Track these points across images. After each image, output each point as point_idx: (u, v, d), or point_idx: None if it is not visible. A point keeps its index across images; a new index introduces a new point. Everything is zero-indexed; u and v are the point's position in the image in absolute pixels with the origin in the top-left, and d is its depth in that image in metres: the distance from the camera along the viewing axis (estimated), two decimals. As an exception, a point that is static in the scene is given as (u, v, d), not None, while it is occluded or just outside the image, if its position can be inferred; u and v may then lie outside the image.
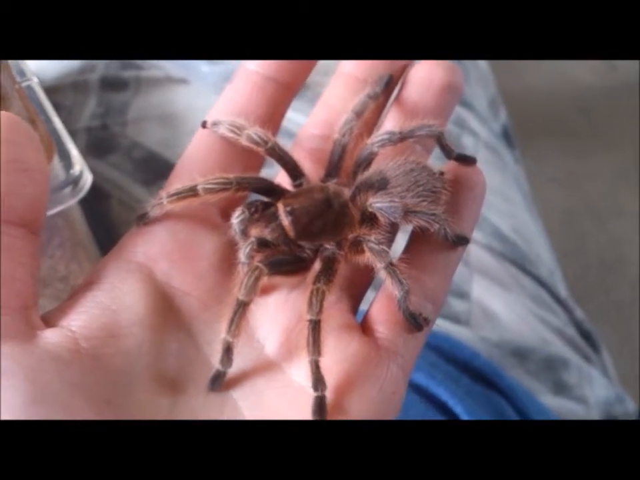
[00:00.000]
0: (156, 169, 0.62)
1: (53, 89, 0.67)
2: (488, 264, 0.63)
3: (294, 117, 0.42)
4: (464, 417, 0.47)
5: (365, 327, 0.31)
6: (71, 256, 0.51)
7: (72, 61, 0.67)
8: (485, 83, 0.76)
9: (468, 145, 0.68)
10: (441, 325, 0.58)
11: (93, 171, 0.70)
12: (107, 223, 0.63)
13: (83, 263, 0.51)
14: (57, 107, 0.69)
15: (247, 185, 0.31)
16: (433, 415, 0.47)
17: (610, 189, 1.23)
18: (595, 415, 0.58)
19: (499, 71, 0.81)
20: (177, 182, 0.32)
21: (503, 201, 0.68)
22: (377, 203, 0.31)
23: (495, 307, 0.61)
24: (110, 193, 0.65)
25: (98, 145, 0.67)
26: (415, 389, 0.48)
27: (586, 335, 0.65)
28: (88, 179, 0.41)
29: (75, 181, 0.40)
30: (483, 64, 0.79)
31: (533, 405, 0.51)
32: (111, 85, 0.67)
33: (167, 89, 0.67)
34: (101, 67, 0.67)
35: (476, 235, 0.64)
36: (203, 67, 0.65)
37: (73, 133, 0.70)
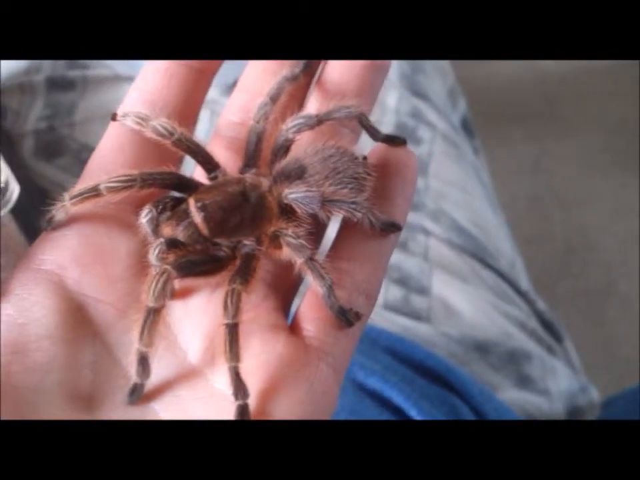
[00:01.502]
0: None
1: (-2, 92, 0.65)
2: (447, 258, 0.62)
3: None
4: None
5: (293, 326, 0.29)
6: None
7: (17, 61, 0.65)
8: (442, 73, 0.74)
9: (425, 137, 0.67)
10: (402, 321, 0.57)
11: (42, 175, 0.68)
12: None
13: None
14: (4, 110, 0.67)
15: (154, 181, 0.29)
16: (387, 419, 0.45)
17: (576, 174, 1.22)
18: (558, 407, 0.57)
19: (461, 58, 0.79)
20: (88, 180, 0.30)
21: (462, 193, 0.66)
22: (292, 193, 0.29)
23: (455, 301, 0.60)
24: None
25: (46, 148, 0.65)
26: (369, 393, 0.47)
27: (548, 326, 0.64)
28: (15, 190, 0.40)
29: (2, 192, 0.39)
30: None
31: (489, 403, 0.50)
32: (58, 85, 0.65)
33: (115, 87, 0.65)
34: (47, 67, 0.65)
35: (434, 228, 0.62)
36: (150, 65, 0.63)
37: (20, 137, 0.68)
